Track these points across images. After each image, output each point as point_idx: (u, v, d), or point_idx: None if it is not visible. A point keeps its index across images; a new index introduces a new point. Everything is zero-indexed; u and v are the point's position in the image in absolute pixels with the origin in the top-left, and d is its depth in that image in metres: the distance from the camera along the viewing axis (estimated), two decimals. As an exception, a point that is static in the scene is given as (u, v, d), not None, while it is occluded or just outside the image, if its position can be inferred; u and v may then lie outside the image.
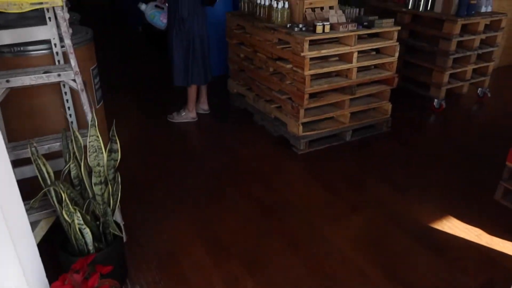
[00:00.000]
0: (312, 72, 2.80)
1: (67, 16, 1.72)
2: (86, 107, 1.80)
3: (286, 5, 3.06)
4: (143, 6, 3.35)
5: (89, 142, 1.62)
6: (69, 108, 2.08)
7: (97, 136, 1.62)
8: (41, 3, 1.65)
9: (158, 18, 3.32)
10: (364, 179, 2.73)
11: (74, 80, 1.77)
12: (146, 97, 4.11)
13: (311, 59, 2.78)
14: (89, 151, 1.62)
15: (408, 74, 3.99)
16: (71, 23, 2.05)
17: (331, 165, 2.87)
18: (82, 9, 3.53)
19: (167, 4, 3.26)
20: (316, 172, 2.79)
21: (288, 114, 3.04)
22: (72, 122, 2.09)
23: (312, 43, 2.78)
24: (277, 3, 3.05)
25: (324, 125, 3.09)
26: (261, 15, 3.24)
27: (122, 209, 2.08)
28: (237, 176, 2.74)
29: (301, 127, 2.95)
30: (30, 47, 1.92)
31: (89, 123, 1.64)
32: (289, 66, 2.92)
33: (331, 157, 2.98)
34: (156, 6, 3.36)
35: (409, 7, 3.87)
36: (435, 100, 3.73)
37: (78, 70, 1.75)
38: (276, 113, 3.19)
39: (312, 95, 2.95)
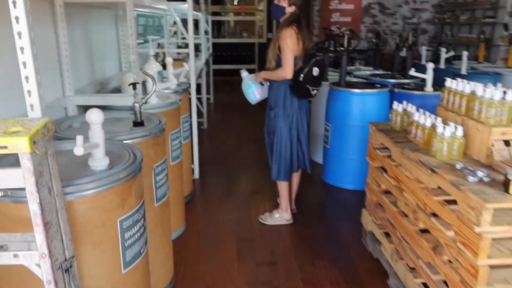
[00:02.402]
0: (494, 262, 1.57)
1: (30, 164, 1.07)
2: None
3: (460, 132, 1.94)
4: (244, 73, 3.13)
5: None
6: None
7: None
8: (5, 147, 1.04)
9: (253, 91, 3.03)
10: None
11: (38, 266, 1.08)
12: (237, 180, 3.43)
13: (494, 238, 1.57)
14: None
15: None
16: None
17: None
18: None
19: (268, 83, 2.99)
20: None
21: (440, 309, 1.81)
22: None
23: (500, 212, 1.58)
24: (445, 128, 1.96)
25: None
26: (417, 138, 2.18)
27: None
28: None
29: None
30: None
31: None
32: (450, 234, 1.75)
33: None
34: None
35: None
36: None
37: (47, 252, 1.06)
38: (422, 295, 1.98)
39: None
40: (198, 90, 6.70)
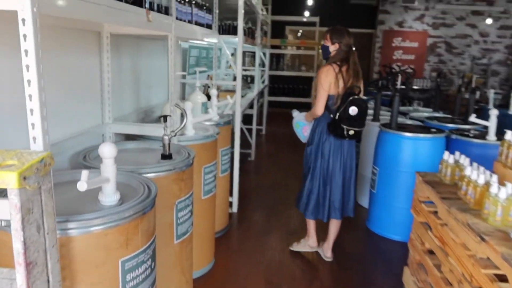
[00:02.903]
0: None
1: (17, 201, 1.03)
2: None
3: (518, 195, 1.67)
4: (295, 113, 3.18)
5: None
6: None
7: None
8: (-5, 179, 1.02)
9: (301, 129, 3.07)
10: None
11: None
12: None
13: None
14: None
15: None
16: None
17: None
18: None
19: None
20: None
21: None
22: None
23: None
24: (500, 188, 1.70)
25: None
26: (468, 195, 1.92)
27: None
28: None
29: None
30: None
31: None
32: (500, 317, 1.47)
33: None
34: None
35: None
36: None
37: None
38: None
39: None
40: (249, 121, 6.73)
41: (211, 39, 3.44)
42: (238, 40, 3.55)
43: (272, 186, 4.66)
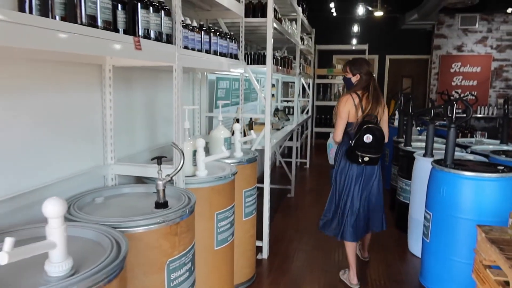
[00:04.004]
0: None
1: None
2: None
3: None
4: (331, 135, 3.15)
5: None
6: None
7: None
8: None
9: (330, 150, 3.20)
10: None
11: None
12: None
13: None
14: None
15: None
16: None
17: None
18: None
19: None
20: None
21: None
22: None
23: None
24: None
25: None
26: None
27: None
28: None
29: None
30: None
31: None
32: None
33: None
34: None
35: None
36: None
37: None
38: None
39: None
40: (289, 154, 6.36)
41: (236, 69, 3.18)
42: (266, 69, 3.27)
43: (311, 228, 4.19)
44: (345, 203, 2.94)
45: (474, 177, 2.70)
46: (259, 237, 3.36)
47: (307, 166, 7.14)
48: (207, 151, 2.91)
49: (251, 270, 3.02)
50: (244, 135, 3.42)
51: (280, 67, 3.93)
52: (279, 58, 3.89)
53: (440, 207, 2.85)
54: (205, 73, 3.41)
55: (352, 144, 2.80)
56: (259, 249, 3.41)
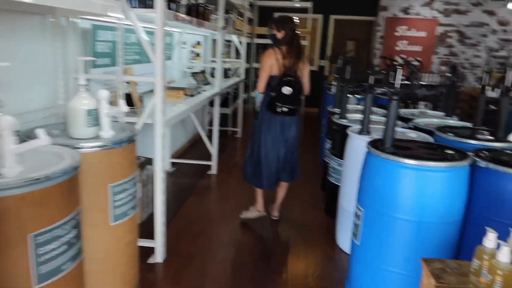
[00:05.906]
0: None
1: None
2: None
3: None
4: None
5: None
6: None
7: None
8: None
9: (257, 100, 3.29)
10: None
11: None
12: None
13: None
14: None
15: None
16: None
17: None
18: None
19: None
20: None
21: None
22: None
23: None
24: None
25: None
26: None
27: None
28: None
29: None
30: None
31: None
32: None
33: None
34: None
35: None
36: None
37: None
38: None
39: None
40: (222, 123, 5.62)
41: (116, 12, 2.27)
42: (156, 16, 2.38)
43: (232, 213, 3.48)
44: (261, 151, 3.13)
45: (418, 167, 2.07)
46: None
47: (239, 135, 6.40)
48: (65, 127, 2.06)
49: (131, 284, 2.26)
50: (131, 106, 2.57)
51: (187, 17, 3.03)
52: (185, 4, 2.99)
53: (374, 203, 2.22)
54: (72, 19, 2.46)
55: (273, 95, 2.98)
56: (151, 251, 2.66)
